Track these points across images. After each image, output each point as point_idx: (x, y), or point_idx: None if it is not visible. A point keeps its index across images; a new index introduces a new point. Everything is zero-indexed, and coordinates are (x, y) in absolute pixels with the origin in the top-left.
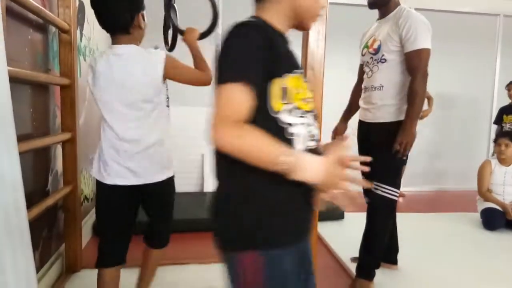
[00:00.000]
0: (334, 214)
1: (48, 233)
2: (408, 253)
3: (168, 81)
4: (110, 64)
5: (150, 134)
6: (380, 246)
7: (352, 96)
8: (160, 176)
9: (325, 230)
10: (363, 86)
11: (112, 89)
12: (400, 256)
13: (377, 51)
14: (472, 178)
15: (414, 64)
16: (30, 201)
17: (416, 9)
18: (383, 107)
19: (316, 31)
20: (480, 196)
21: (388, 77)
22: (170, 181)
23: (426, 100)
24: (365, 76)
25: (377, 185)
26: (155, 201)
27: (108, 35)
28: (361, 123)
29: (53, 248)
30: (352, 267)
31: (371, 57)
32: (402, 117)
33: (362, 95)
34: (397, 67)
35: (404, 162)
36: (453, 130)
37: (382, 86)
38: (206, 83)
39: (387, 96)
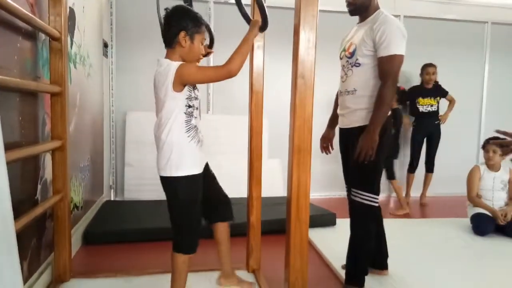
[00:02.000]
0: (326, 220)
1: (37, 242)
2: (399, 259)
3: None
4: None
5: (160, 133)
6: (365, 253)
7: (335, 102)
8: (161, 172)
9: (317, 236)
10: (338, 90)
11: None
12: (390, 262)
13: (352, 54)
14: (461, 183)
15: (385, 70)
16: (19, 210)
17: (405, 16)
18: (357, 111)
19: (306, 39)
20: (469, 201)
21: (361, 81)
22: (171, 180)
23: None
24: (340, 80)
25: (355, 192)
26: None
27: (100, 43)
28: (340, 130)
29: (42, 257)
30: (344, 273)
31: (347, 61)
32: None
33: (339, 100)
34: (371, 71)
35: (379, 167)
36: (442, 136)
37: (355, 90)
38: (224, 77)
39: (360, 100)
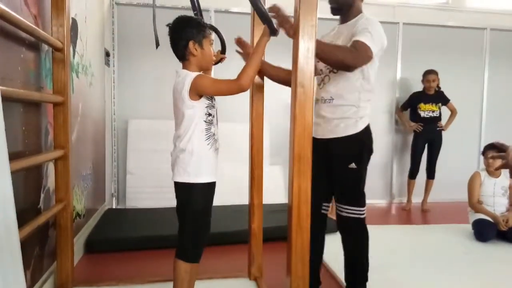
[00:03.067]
0: (328, 227)
1: (39, 251)
2: (399, 265)
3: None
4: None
5: (180, 142)
6: (365, 266)
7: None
8: (178, 178)
9: None
10: (314, 98)
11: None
12: (392, 268)
13: None
14: (462, 189)
15: (355, 48)
16: (22, 220)
17: (404, 23)
18: (333, 121)
19: (305, 49)
20: (470, 207)
21: (339, 89)
22: (187, 186)
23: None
24: (316, 87)
25: (340, 207)
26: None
27: (102, 52)
28: (315, 140)
29: (44, 266)
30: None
31: (325, 65)
32: (353, 132)
33: (314, 108)
34: (350, 79)
35: (363, 179)
36: (443, 141)
37: (332, 99)
38: (235, 91)
39: (337, 109)
